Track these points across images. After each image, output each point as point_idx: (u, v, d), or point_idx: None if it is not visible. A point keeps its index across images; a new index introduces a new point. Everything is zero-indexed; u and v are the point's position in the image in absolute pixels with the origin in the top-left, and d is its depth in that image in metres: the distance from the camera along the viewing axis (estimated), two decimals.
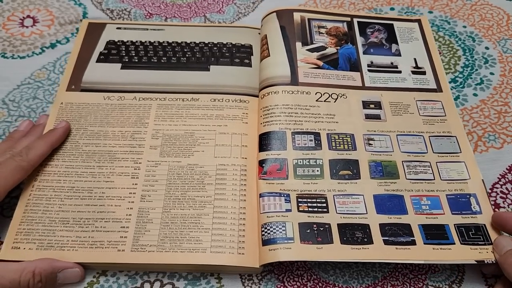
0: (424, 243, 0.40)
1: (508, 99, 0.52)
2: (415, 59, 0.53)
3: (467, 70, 0.55)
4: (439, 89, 0.51)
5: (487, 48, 0.57)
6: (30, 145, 0.43)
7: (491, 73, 0.55)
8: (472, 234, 0.40)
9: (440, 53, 0.56)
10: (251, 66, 0.53)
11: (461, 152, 0.46)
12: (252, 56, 0.54)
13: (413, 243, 0.40)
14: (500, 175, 0.47)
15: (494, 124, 0.50)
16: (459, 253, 0.39)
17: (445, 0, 0.62)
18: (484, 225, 0.41)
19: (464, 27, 0.59)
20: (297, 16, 0.55)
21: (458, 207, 0.42)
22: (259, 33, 0.56)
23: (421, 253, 0.39)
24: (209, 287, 0.40)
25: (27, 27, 0.58)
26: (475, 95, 0.53)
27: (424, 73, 0.52)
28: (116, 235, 0.40)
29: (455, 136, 0.47)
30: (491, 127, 0.50)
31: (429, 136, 0.47)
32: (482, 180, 0.44)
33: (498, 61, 0.56)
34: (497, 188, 0.46)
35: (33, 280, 0.36)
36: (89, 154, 0.45)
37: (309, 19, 0.55)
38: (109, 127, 0.47)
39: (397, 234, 0.40)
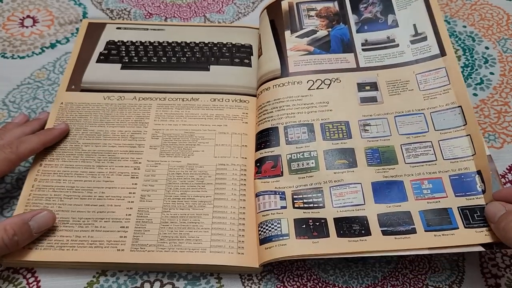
0: (425, 230, 0.38)
1: (508, 99, 0.52)
2: (414, 25, 0.50)
3: (467, 70, 0.55)
4: (442, 53, 0.47)
5: (487, 48, 0.57)
6: (22, 139, 0.43)
7: (491, 73, 0.54)
8: (477, 217, 0.38)
9: None
10: (251, 66, 0.53)
11: (466, 125, 0.42)
12: (252, 56, 0.53)
13: (413, 231, 0.38)
14: (500, 175, 0.47)
15: (494, 124, 0.50)
16: (464, 238, 0.37)
17: (445, 0, 0.62)
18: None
19: (464, 27, 0.59)
20: (284, 4, 0.53)
21: (462, 188, 0.40)
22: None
23: (422, 241, 0.38)
24: (209, 287, 0.40)
25: (27, 27, 0.58)
26: (475, 95, 0.53)
27: (424, 39, 0.48)
28: (115, 235, 0.40)
29: (460, 106, 0.43)
30: (491, 127, 0.50)
31: (430, 113, 0.44)
32: (489, 155, 0.41)
33: (498, 61, 0.55)
34: None
35: (6, 236, 0.36)
36: (89, 154, 0.45)
37: (297, 4, 0.53)
38: (109, 127, 0.47)
39: (396, 223, 0.39)
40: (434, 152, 0.42)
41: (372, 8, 0.52)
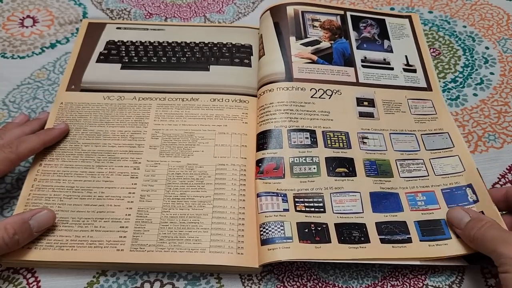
0: (420, 240, 0.40)
1: (508, 99, 0.52)
2: (406, 56, 0.53)
3: (467, 70, 0.55)
4: (429, 88, 0.51)
5: (487, 48, 0.57)
6: (22, 139, 0.43)
7: (491, 73, 0.54)
8: None
9: (439, 53, 0.56)
10: (251, 66, 0.53)
11: (454, 147, 0.46)
12: (252, 56, 0.53)
13: (409, 240, 0.40)
14: (500, 175, 0.47)
15: (494, 124, 0.50)
16: (455, 248, 0.39)
17: (445, 0, 0.62)
18: (482, 212, 0.41)
19: (464, 27, 0.59)
20: (290, 10, 0.54)
21: (454, 200, 0.42)
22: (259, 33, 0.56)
23: (417, 250, 0.39)
24: (209, 287, 0.40)
25: (27, 27, 0.58)
26: (475, 95, 0.53)
27: (414, 71, 0.52)
28: (115, 235, 0.40)
29: (447, 132, 0.47)
30: (491, 127, 0.50)
31: (421, 134, 0.47)
32: (477, 169, 0.44)
33: (498, 61, 0.55)
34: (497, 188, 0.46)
35: (7, 235, 0.36)
36: (88, 154, 0.45)
37: (302, 12, 0.54)
38: (108, 127, 0.47)
39: (393, 232, 0.40)
40: (426, 169, 0.45)
41: (371, 29, 0.55)
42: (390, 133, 0.47)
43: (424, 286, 0.40)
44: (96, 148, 0.46)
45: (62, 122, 0.47)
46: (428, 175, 0.44)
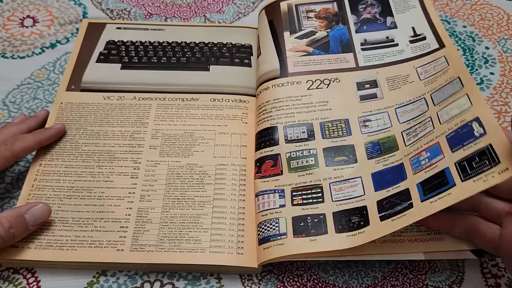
0: (422, 201, 0.37)
1: (508, 99, 0.52)
2: (413, 27, 0.50)
3: None
4: (441, 46, 0.47)
5: (487, 48, 0.57)
6: (18, 137, 0.43)
7: (491, 73, 0.54)
8: (476, 164, 0.35)
9: None
10: (250, 66, 0.53)
11: (463, 87, 0.40)
12: (252, 56, 0.54)
13: (410, 206, 0.37)
14: None
15: None
16: (460, 192, 0.35)
17: (445, 0, 0.62)
18: (490, 144, 0.35)
19: (464, 27, 0.59)
20: (284, 6, 0.53)
21: (458, 141, 0.38)
22: None
23: (417, 213, 0.36)
24: (209, 287, 0.40)
25: (27, 27, 0.58)
26: None
27: (423, 38, 0.49)
28: (115, 235, 0.40)
29: (458, 77, 0.41)
30: None
31: (431, 94, 0.43)
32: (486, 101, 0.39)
33: (498, 61, 0.55)
34: None
35: (2, 228, 0.36)
36: (88, 154, 0.45)
37: (296, 5, 0.54)
38: (108, 127, 0.47)
39: (394, 204, 0.38)
40: (432, 124, 0.41)
41: (371, 9, 0.52)
42: (395, 108, 0.45)
43: (424, 286, 0.40)
44: (96, 148, 0.46)
45: (59, 122, 0.47)
46: (434, 129, 0.40)
